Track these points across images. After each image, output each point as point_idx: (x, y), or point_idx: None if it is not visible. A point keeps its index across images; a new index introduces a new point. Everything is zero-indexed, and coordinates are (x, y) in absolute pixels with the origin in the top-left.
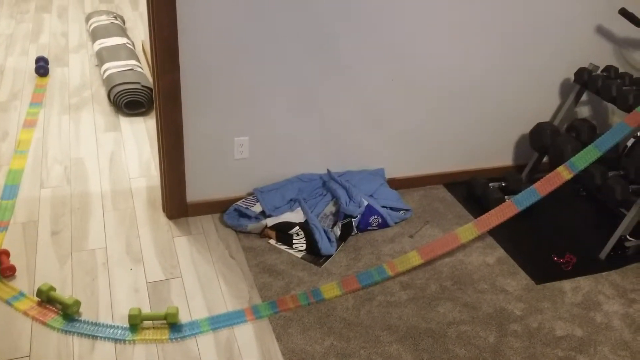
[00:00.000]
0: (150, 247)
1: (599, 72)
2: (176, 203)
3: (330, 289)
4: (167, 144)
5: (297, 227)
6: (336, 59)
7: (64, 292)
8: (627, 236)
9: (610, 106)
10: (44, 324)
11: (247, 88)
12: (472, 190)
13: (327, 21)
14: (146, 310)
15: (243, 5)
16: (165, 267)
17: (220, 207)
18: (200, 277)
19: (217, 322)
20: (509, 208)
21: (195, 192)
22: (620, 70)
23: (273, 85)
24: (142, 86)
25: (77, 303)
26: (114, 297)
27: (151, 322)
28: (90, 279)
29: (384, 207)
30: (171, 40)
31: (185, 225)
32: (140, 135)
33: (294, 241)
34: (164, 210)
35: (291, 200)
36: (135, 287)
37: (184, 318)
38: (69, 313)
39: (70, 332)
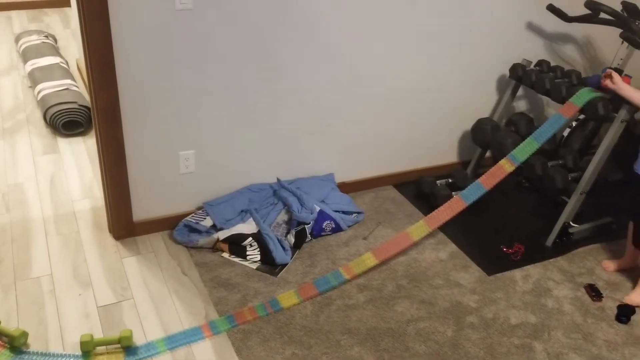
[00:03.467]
0: (98, 270)
1: (532, 67)
2: (122, 223)
3: (287, 298)
4: (109, 163)
5: (250, 238)
6: (279, 66)
7: (10, 324)
8: (571, 222)
9: (545, 99)
10: None
11: (189, 100)
12: (421, 189)
13: (268, 29)
14: (98, 335)
15: (179, 18)
16: (116, 289)
17: (169, 224)
18: (153, 296)
19: (174, 342)
20: (457, 203)
21: (142, 210)
22: (552, 64)
23: (216, 96)
24: (80, 105)
25: (25, 334)
26: (63, 325)
27: (105, 347)
28: (37, 308)
29: (336, 211)
30: (107, 55)
31: (133, 245)
32: (80, 156)
33: (247, 252)
34: (110, 232)
35: (242, 211)
36: (86, 312)
37: (138, 340)
38: (16, 345)
39: None
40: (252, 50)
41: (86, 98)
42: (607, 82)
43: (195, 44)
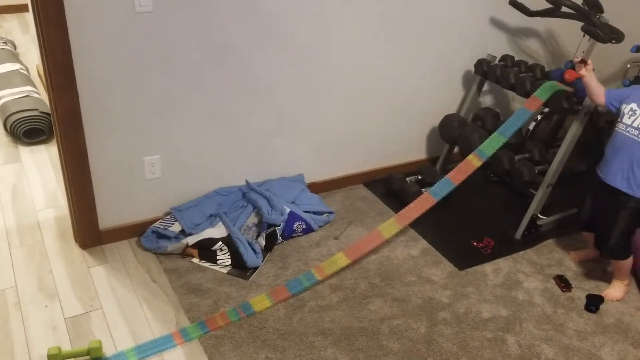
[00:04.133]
0: (65, 281)
1: (496, 61)
2: (88, 232)
3: (260, 302)
4: (72, 171)
5: (220, 243)
6: (246, 67)
7: None
8: (538, 215)
9: (511, 93)
10: None
11: (153, 104)
12: (391, 186)
13: (233, 29)
14: (67, 347)
15: (139, 20)
16: (83, 299)
17: (136, 231)
18: (122, 306)
19: (145, 350)
20: (426, 200)
21: (108, 218)
22: (516, 58)
23: (180, 100)
24: (41, 112)
25: None
26: (30, 338)
27: (73, 359)
28: (2, 322)
29: (306, 212)
30: (65, 61)
31: (100, 254)
32: (43, 165)
33: (218, 257)
34: (76, 241)
35: (211, 215)
36: (53, 324)
37: (108, 351)
38: None
39: None
40: (217, 52)
41: (48, 105)
42: (582, 67)
43: (157, 47)
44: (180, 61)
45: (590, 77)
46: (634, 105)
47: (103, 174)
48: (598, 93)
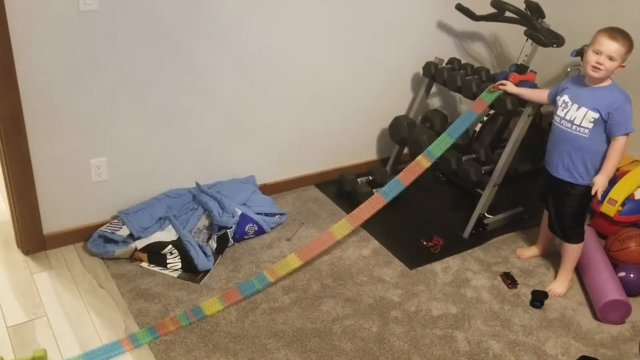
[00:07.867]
0: (6, 288)
1: (444, 64)
2: (31, 237)
3: (211, 305)
4: (14, 174)
5: (170, 246)
6: (192, 67)
7: None
8: (485, 214)
9: (458, 95)
10: None
11: (98, 105)
12: (342, 187)
13: (180, 29)
14: (10, 357)
15: (84, 19)
16: (27, 307)
17: (82, 236)
18: (68, 312)
19: (92, 358)
20: (377, 200)
21: (53, 222)
22: (463, 61)
23: (126, 100)
24: None
25: None
26: None
27: None
28: None
29: (258, 214)
30: (6, 61)
31: (44, 260)
32: None
33: (168, 261)
34: (18, 246)
35: (161, 218)
36: None
37: (54, 359)
38: None
39: None
40: (164, 52)
41: None
42: (500, 88)
43: (102, 46)
44: (126, 61)
45: (512, 88)
46: (566, 97)
47: (47, 177)
48: (538, 95)
